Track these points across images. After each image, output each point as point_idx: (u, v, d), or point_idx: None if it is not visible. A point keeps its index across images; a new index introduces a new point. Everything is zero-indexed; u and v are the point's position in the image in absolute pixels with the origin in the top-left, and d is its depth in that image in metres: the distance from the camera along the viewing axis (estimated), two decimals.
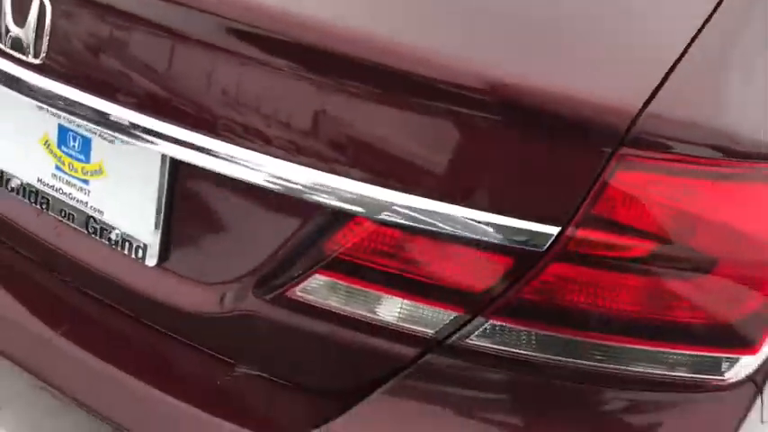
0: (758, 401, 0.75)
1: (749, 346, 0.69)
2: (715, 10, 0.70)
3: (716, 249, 0.66)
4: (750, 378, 0.73)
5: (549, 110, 0.64)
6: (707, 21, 0.70)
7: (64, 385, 0.89)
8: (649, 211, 0.66)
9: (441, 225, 0.67)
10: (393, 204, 0.68)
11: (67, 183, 0.93)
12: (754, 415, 0.76)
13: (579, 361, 0.71)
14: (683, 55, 0.67)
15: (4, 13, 0.80)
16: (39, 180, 0.96)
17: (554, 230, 0.65)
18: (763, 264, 0.67)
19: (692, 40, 0.69)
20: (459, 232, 0.67)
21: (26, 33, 0.80)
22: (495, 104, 0.65)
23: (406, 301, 0.73)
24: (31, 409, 1.07)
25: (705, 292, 0.67)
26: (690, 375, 0.70)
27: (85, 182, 0.92)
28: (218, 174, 0.75)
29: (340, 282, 0.75)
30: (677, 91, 0.65)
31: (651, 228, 0.65)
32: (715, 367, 0.70)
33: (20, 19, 0.80)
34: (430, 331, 0.73)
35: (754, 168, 0.68)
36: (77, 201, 0.93)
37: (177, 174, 0.84)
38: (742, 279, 0.67)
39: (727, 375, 0.70)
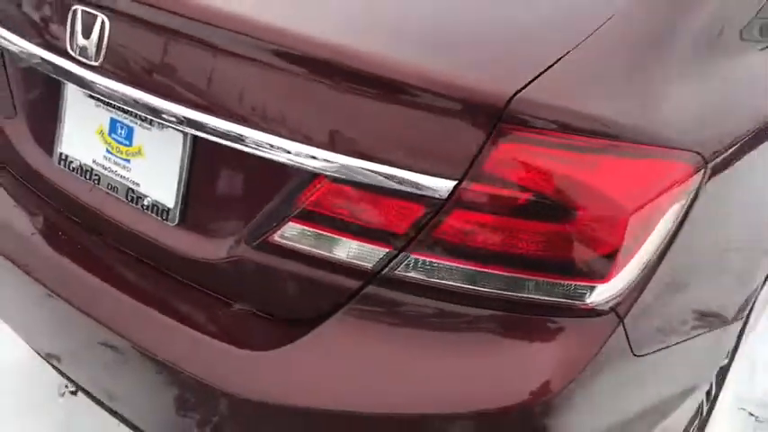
0: (623, 333, 0.96)
1: (601, 278, 0.91)
2: (599, 28, 0.95)
3: (577, 203, 0.90)
4: (612, 309, 0.95)
5: (451, 94, 0.89)
6: (589, 36, 0.96)
7: (101, 316, 1.16)
8: (525, 171, 0.90)
9: (373, 181, 0.93)
10: (343, 167, 0.94)
11: (115, 163, 1.22)
12: (623, 346, 0.98)
13: (480, 288, 0.94)
14: (558, 60, 0.92)
15: (77, 29, 1.11)
16: (93, 161, 1.25)
17: (451, 184, 0.90)
18: (612, 216, 0.90)
19: (571, 49, 0.94)
20: (386, 185, 0.92)
21: (90, 43, 1.10)
22: (412, 91, 0.91)
23: (352, 242, 0.98)
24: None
25: (568, 234, 0.90)
26: (564, 300, 0.92)
27: (128, 161, 1.20)
28: (223, 150, 1.02)
29: (307, 228, 1.00)
30: (550, 84, 0.90)
31: (527, 184, 0.89)
32: (579, 293, 0.92)
33: (87, 33, 1.10)
34: (369, 265, 0.97)
35: (611, 144, 0.91)
36: (121, 176, 1.21)
37: (195, 154, 1.11)
38: (596, 226, 0.90)
39: (588, 301, 0.92)
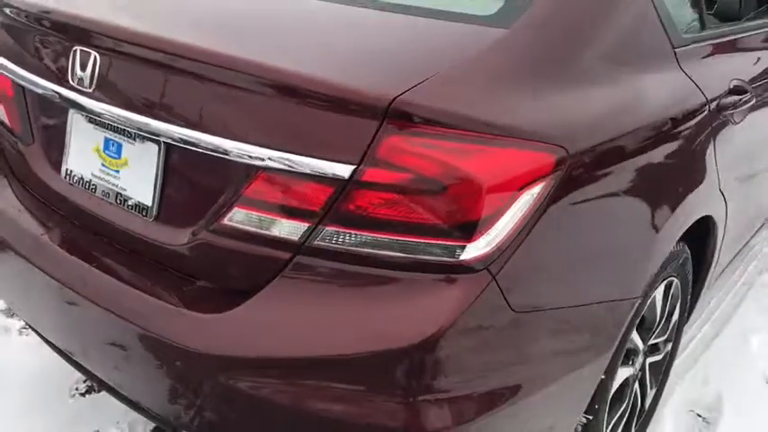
0: (497, 289, 1.19)
1: (468, 239, 1.15)
2: (478, 52, 1.23)
3: (447, 181, 1.15)
4: (485, 268, 1.18)
5: (347, 98, 1.16)
6: (467, 58, 1.23)
7: (94, 296, 1.42)
8: (408, 156, 1.15)
9: (295, 169, 1.19)
10: (271, 160, 1.20)
11: (107, 174, 1.50)
12: (500, 300, 1.20)
13: (378, 252, 1.18)
14: (435, 74, 1.19)
15: (76, 64, 1.41)
16: (92, 174, 1.53)
17: (351, 168, 1.15)
18: (473, 191, 1.14)
19: (448, 66, 1.21)
20: (304, 171, 1.18)
21: (86, 75, 1.40)
22: (319, 97, 1.18)
23: (283, 220, 1.23)
24: None
25: (441, 204, 1.14)
26: (442, 259, 1.16)
27: (117, 171, 1.49)
28: (186, 156, 1.30)
29: (249, 211, 1.26)
30: (427, 90, 1.16)
31: (409, 166, 1.15)
32: (453, 252, 1.15)
33: (83, 67, 1.40)
34: (295, 239, 1.23)
35: (477, 136, 1.17)
36: (112, 184, 1.49)
37: (166, 161, 1.39)
38: (461, 199, 1.15)
39: (461, 258, 1.16)
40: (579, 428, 1.62)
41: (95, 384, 2.08)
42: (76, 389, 2.18)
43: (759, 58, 2.09)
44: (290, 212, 1.23)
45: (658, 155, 1.51)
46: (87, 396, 2.15)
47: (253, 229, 1.27)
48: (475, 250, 1.16)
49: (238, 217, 1.28)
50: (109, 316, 1.39)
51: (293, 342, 1.22)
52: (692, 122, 1.63)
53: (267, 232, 1.26)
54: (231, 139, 1.24)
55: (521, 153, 1.19)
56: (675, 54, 1.64)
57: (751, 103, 1.90)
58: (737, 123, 1.88)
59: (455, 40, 1.30)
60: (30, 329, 2.39)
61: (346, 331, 1.20)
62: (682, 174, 1.61)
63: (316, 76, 1.19)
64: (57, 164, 1.61)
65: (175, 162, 1.38)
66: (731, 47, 1.97)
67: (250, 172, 1.25)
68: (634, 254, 1.48)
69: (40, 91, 1.55)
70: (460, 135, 1.16)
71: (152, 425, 2.04)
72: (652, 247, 1.51)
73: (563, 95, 1.31)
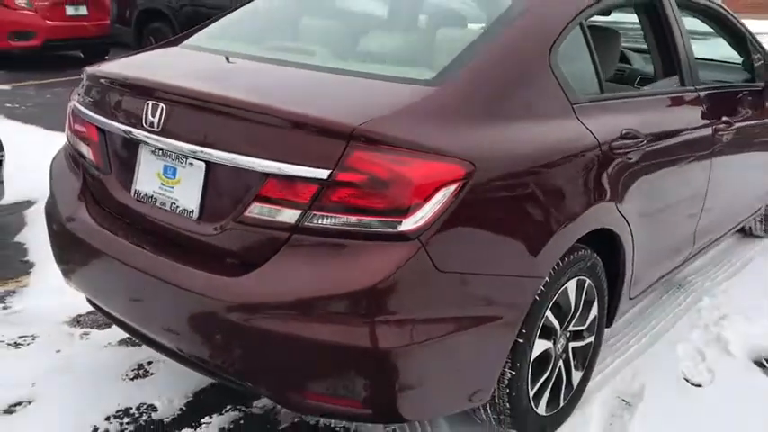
0: (425, 253, 1.79)
1: (405, 215, 1.76)
2: (418, 98, 1.88)
3: (391, 179, 1.77)
4: (417, 237, 1.79)
5: (328, 128, 1.81)
6: (409, 101, 1.88)
7: (157, 273, 2.03)
8: (366, 164, 1.79)
9: (292, 174, 1.82)
10: (277, 169, 1.84)
11: (165, 190, 2.15)
12: (427, 261, 1.80)
13: (346, 228, 1.80)
14: (387, 111, 1.84)
15: (148, 112, 2.08)
16: (153, 191, 2.18)
17: (328, 172, 1.79)
18: (408, 187, 1.76)
19: (397, 107, 1.86)
20: (298, 173, 1.81)
21: (155, 119, 2.07)
22: (308, 126, 1.83)
23: (283, 209, 1.86)
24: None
25: (386, 195, 1.76)
26: (389, 230, 1.77)
27: (172, 188, 2.13)
28: (220, 171, 1.94)
29: (263, 205, 1.89)
30: (381, 121, 1.81)
31: (367, 170, 1.77)
32: (395, 224, 1.76)
33: (153, 114, 2.08)
34: (292, 222, 1.85)
35: (412, 152, 1.80)
36: (168, 197, 2.13)
37: (207, 177, 2.04)
38: (400, 191, 1.76)
39: (400, 229, 1.76)
40: (507, 379, 2.16)
41: (153, 348, 2.65)
42: (126, 375, 2.76)
43: (652, 114, 2.71)
44: (289, 204, 1.85)
45: (553, 176, 2.12)
46: (135, 380, 2.73)
47: (264, 218, 1.89)
48: (408, 225, 1.77)
49: (255, 210, 1.91)
50: (168, 287, 2.00)
51: (289, 291, 1.83)
52: (584, 156, 2.24)
53: (273, 219, 1.88)
54: (252, 157, 1.88)
55: (439, 164, 1.82)
56: (573, 108, 2.28)
57: (643, 146, 2.52)
58: (633, 161, 2.49)
59: (401, 93, 1.96)
60: (89, 334, 3.01)
61: (326, 281, 1.80)
62: (576, 192, 2.21)
63: (308, 114, 1.84)
64: (127, 186, 2.26)
65: (213, 177, 2.02)
66: (626, 105, 2.60)
67: (263, 178, 1.88)
68: (535, 245, 2.06)
69: (119, 133, 2.22)
70: (401, 151, 1.80)
71: (187, 397, 2.60)
72: (550, 242, 2.09)
73: (475, 131, 1.95)
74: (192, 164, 2.06)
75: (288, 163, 1.84)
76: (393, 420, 2.23)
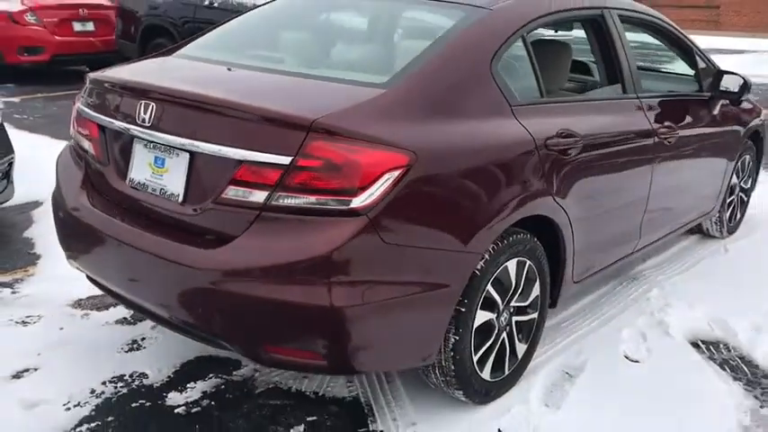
0: (372, 226, 2.12)
1: (355, 195, 2.09)
2: (371, 96, 2.23)
3: (345, 165, 2.11)
4: (365, 213, 2.12)
5: (291, 121, 2.15)
6: (362, 99, 2.22)
7: (144, 246, 2.37)
8: (323, 151, 2.12)
9: (261, 160, 2.16)
10: (247, 155, 2.18)
11: (155, 177, 2.48)
12: (375, 234, 2.14)
13: (305, 206, 2.13)
14: (341, 108, 2.18)
15: (141, 110, 2.43)
16: (145, 179, 2.52)
17: (290, 158, 2.13)
18: (360, 171, 2.10)
19: (351, 103, 2.20)
20: (266, 160, 2.15)
21: (147, 116, 2.42)
22: (274, 119, 2.17)
23: (254, 190, 2.19)
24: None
25: (340, 177, 2.10)
26: (342, 207, 2.10)
27: (161, 176, 2.47)
28: (202, 159, 2.28)
29: (237, 188, 2.23)
30: (337, 115, 2.15)
31: (324, 156, 2.11)
32: (348, 201, 2.10)
33: (145, 111, 2.42)
34: (261, 201, 2.18)
35: (360, 141, 2.14)
36: (157, 183, 2.47)
37: (191, 166, 2.38)
38: (353, 174, 2.10)
39: (351, 206, 2.09)
40: (452, 343, 2.48)
41: (146, 318, 2.98)
42: (121, 348, 3.08)
43: (590, 117, 3.05)
44: (258, 186, 2.19)
45: (489, 167, 2.45)
46: (129, 353, 3.05)
47: (238, 199, 2.23)
48: (357, 202, 2.11)
49: (230, 192, 2.24)
50: (156, 260, 2.33)
51: (258, 259, 2.16)
52: (520, 151, 2.58)
53: (246, 199, 2.21)
54: (228, 147, 2.22)
55: (385, 153, 2.16)
56: (512, 110, 2.62)
57: (580, 144, 2.85)
58: (571, 157, 2.82)
59: (356, 93, 2.30)
60: (89, 315, 3.34)
61: (289, 250, 2.13)
62: (511, 182, 2.54)
63: (274, 109, 2.18)
64: (123, 175, 2.60)
65: (196, 165, 2.36)
66: (565, 108, 2.94)
67: (237, 165, 2.22)
68: (471, 225, 2.38)
69: (117, 129, 2.57)
70: (352, 141, 2.13)
71: (175, 366, 2.93)
72: (485, 224, 2.42)
73: (418, 126, 2.29)
74: (178, 154, 2.40)
75: (257, 151, 2.17)
76: (346, 372, 2.54)
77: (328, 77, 2.51)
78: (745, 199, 4.96)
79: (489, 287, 2.57)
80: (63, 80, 10.55)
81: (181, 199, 2.39)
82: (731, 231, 4.85)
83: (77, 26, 10.53)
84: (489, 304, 2.61)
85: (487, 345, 2.65)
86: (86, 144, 2.77)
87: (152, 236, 2.41)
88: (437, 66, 2.48)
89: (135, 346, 3.10)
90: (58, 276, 3.68)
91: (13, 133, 6.75)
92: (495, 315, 2.66)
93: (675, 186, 3.78)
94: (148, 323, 3.25)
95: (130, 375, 2.88)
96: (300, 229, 2.15)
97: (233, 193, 2.23)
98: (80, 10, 10.54)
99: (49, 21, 10.18)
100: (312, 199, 2.14)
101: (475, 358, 2.60)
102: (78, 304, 3.45)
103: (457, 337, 2.48)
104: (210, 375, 2.89)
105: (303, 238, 2.14)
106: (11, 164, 4.44)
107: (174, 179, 2.42)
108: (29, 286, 3.68)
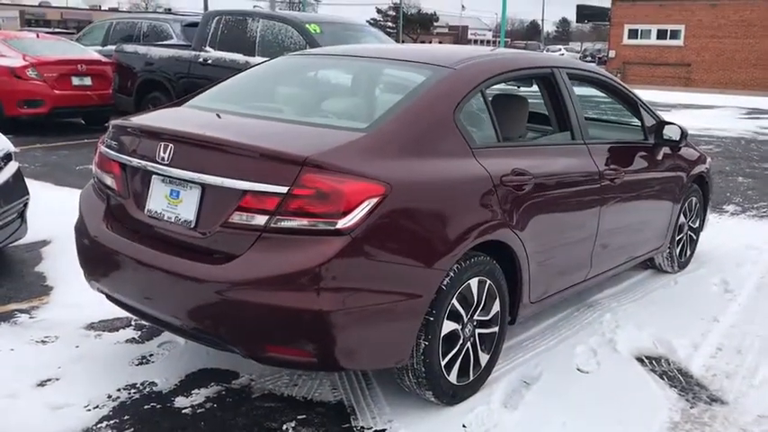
0: (354, 244, 2.58)
1: (341, 217, 2.56)
2: (351, 139, 2.72)
3: (332, 193, 2.58)
4: (348, 233, 2.58)
5: (286, 159, 2.62)
6: (345, 140, 2.71)
7: (163, 266, 2.82)
8: (317, 183, 2.60)
9: (262, 190, 2.63)
10: (251, 186, 2.65)
11: (171, 207, 2.94)
12: (358, 250, 2.60)
13: (298, 227, 2.60)
14: (329, 148, 2.67)
15: (162, 150, 2.90)
16: (162, 209, 2.97)
17: (287, 188, 2.60)
18: (344, 199, 2.57)
19: (334, 145, 2.69)
20: (266, 190, 2.62)
21: (167, 155, 2.89)
22: (272, 156, 2.64)
23: (256, 215, 2.65)
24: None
25: (328, 204, 2.57)
26: (329, 227, 2.57)
27: (176, 206, 2.93)
28: (213, 190, 2.75)
29: (241, 213, 2.68)
30: (326, 153, 2.63)
31: (316, 186, 2.58)
32: (334, 223, 2.56)
33: (165, 151, 2.89)
34: (262, 224, 2.64)
35: (347, 176, 2.62)
36: (172, 212, 2.93)
37: (203, 196, 2.84)
38: (338, 201, 2.57)
39: (337, 227, 2.55)
40: (422, 348, 2.91)
41: (160, 329, 3.39)
42: (132, 362, 3.48)
43: (541, 159, 3.56)
44: (260, 212, 2.65)
45: (452, 198, 2.93)
46: (139, 366, 3.46)
47: (242, 222, 2.69)
48: (342, 224, 2.57)
49: (236, 218, 2.70)
50: (171, 276, 2.77)
51: (259, 272, 2.61)
52: (478, 186, 3.06)
53: (249, 223, 2.67)
54: (235, 179, 2.69)
55: (365, 184, 2.63)
56: (473, 152, 3.12)
57: (532, 182, 3.35)
58: (525, 192, 3.31)
59: (341, 136, 2.80)
60: (101, 335, 3.74)
61: (286, 263, 2.58)
62: (471, 211, 3.02)
63: (274, 148, 2.67)
64: (141, 206, 3.05)
65: (207, 196, 2.82)
66: (519, 151, 3.45)
67: (242, 194, 2.68)
68: (437, 247, 2.85)
69: (137, 166, 3.04)
70: (338, 174, 2.61)
71: (181, 377, 3.33)
72: (449, 246, 2.89)
73: (393, 163, 2.77)
74: (191, 187, 2.86)
75: (260, 182, 2.64)
76: (333, 368, 2.96)
77: (317, 123, 3.02)
78: (695, 237, 5.47)
79: (454, 301, 3.02)
80: (60, 132, 11.06)
81: (193, 224, 2.85)
82: (682, 266, 5.34)
83: (76, 81, 11.10)
84: (455, 316, 3.06)
85: (453, 352, 3.09)
86: (109, 181, 3.22)
87: (167, 256, 2.85)
88: (408, 114, 2.99)
89: (144, 360, 3.50)
90: (71, 303, 4.10)
91: None
92: (461, 326, 3.10)
93: (623, 223, 4.28)
94: (156, 342, 3.66)
95: (142, 384, 3.27)
96: (295, 246, 2.61)
97: (238, 218, 2.69)
98: (79, 65, 11.13)
99: (48, 75, 10.74)
100: (305, 221, 2.60)
101: (443, 363, 3.03)
102: (91, 326, 3.85)
103: (426, 343, 2.92)
104: (212, 384, 3.29)
105: (297, 253, 2.60)
106: (26, 204, 4.88)
107: (187, 208, 2.87)
108: (44, 312, 4.07)
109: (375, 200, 2.64)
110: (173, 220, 2.91)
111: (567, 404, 3.23)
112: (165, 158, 2.91)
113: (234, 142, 2.76)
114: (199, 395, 3.19)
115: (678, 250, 5.22)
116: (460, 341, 3.12)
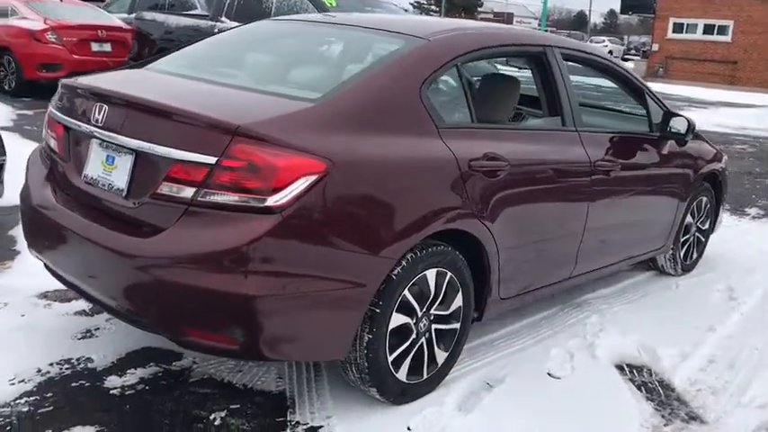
0: (285, 222, 2.35)
1: (270, 194, 2.32)
2: (298, 109, 2.47)
3: (264, 166, 2.35)
4: (279, 212, 2.34)
5: (219, 126, 2.39)
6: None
7: (89, 235, 2.61)
8: (245, 153, 2.36)
9: (189, 159, 2.40)
10: (179, 155, 2.42)
11: (106, 174, 2.73)
12: (287, 228, 2.36)
13: (224, 201, 2.37)
14: (264, 117, 2.43)
15: (96, 111, 2.69)
16: (98, 175, 2.77)
17: (215, 158, 2.37)
18: (278, 173, 2.33)
19: (278, 115, 2.45)
20: (193, 159, 2.39)
21: (100, 116, 2.68)
22: (200, 122, 2.41)
23: (184, 186, 2.43)
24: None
25: (261, 178, 2.33)
26: (257, 204, 2.33)
27: (110, 172, 2.72)
28: (144, 157, 2.53)
29: (170, 184, 2.47)
30: (262, 123, 2.39)
31: (245, 158, 2.35)
32: (263, 200, 2.33)
33: (99, 112, 2.69)
34: (189, 197, 2.42)
35: (282, 147, 2.38)
36: (106, 179, 2.72)
37: (135, 163, 2.62)
38: (270, 176, 2.33)
39: (266, 204, 2.32)
40: (365, 341, 2.67)
41: (92, 305, 3.21)
42: (75, 336, 3.31)
43: (522, 144, 3.27)
44: (188, 183, 2.42)
45: (407, 180, 2.67)
46: (81, 340, 3.28)
47: (170, 194, 2.47)
48: (272, 201, 2.34)
49: (165, 189, 2.48)
50: (99, 248, 2.57)
51: (182, 248, 2.39)
52: (440, 169, 2.80)
53: (176, 195, 2.45)
54: (165, 147, 2.47)
55: (302, 159, 2.39)
56: (439, 131, 2.85)
57: (506, 168, 3.07)
58: (498, 179, 3.04)
59: (287, 105, 2.56)
60: (52, 305, 3.58)
61: (209, 242, 2.36)
62: (428, 196, 2.75)
63: (205, 113, 2.44)
64: (80, 172, 2.85)
65: (139, 163, 2.60)
66: (495, 134, 3.16)
67: (170, 163, 2.46)
68: (385, 233, 2.59)
69: (77, 129, 2.83)
70: (272, 146, 2.37)
71: (120, 355, 3.15)
72: (399, 234, 2.63)
73: (341, 138, 2.52)
74: (125, 153, 2.65)
75: (188, 151, 2.42)
76: (257, 358, 2.73)
77: (272, 92, 2.77)
78: (703, 239, 5.12)
79: (406, 292, 2.77)
80: None
81: (125, 193, 2.63)
82: (686, 269, 5.00)
83: (95, 46, 11.01)
84: (407, 309, 2.81)
85: (404, 347, 2.84)
86: (53, 143, 3.03)
87: (96, 226, 2.65)
88: (367, 86, 2.73)
89: (88, 334, 3.33)
90: (32, 271, 3.90)
91: (19, 142, 7.14)
92: (414, 320, 2.85)
93: (618, 220, 3.97)
94: (104, 315, 3.48)
95: (77, 359, 3.09)
96: (222, 223, 2.38)
97: (167, 189, 2.47)
98: (99, 31, 11.03)
99: (68, 40, 10.67)
100: (234, 197, 2.37)
101: (390, 358, 2.79)
102: (44, 296, 3.69)
103: (371, 336, 2.68)
104: (151, 364, 3.10)
105: (223, 231, 2.37)
106: (2, 165, 4.73)
107: (120, 175, 2.66)
108: (2, 278, 3.92)
109: (313, 177, 2.40)
110: (107, 188, 2.71)
111: (527, 411, 2.96)
112: (100, 120, 2.70)
113: (167, 106, 2.54)
114: (134, 375, 3.00)
115: (683, 252, 4.89)
116: (413, 336, 2.87)
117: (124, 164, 2.65)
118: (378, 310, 2.66)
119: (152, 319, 2.53)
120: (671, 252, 4.77)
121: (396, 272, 2.68)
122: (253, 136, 2.37)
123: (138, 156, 2.60)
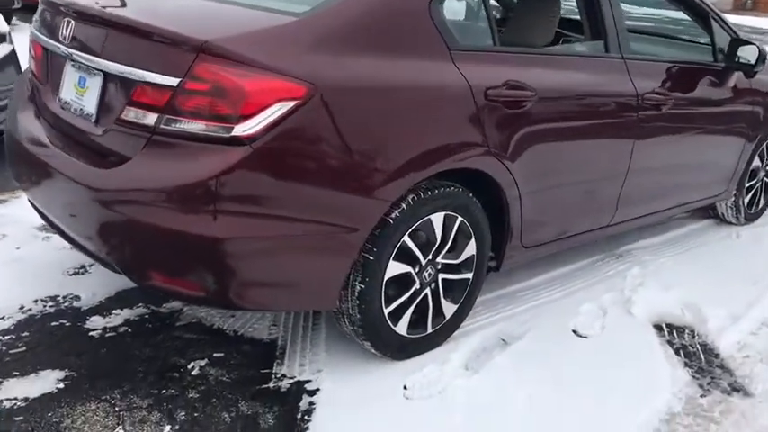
0: (255, 155, 2.04)
1: (237, 123, 2.01)
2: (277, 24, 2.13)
3: (230, 89, 2.03)
4: (248, 143, 2.03)
5: (182, 40, 2.08)
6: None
7: (58, 166, 2.37)
8: (209, 73, 2.04)
9: (152, 81, 2.11)
10: (143, 76, 2.13)
11: (78, 98, 2.47)
12: (256, 161, 2.06)
13: (189, 131, 2.07)
14: (248, 28, 2.10)
15: (64, 27, 2.41)
16: (71, 99, 2.50)
17: (178, 80, 2.06)
18: (244, 97, 2.02)
19: (253, 30, 2.11)
20: (156, 81, 2.09)
21: (68, 33, 2.40)
22: (164, 38, 2.10)
23: (147, 112, 2.14)
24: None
25: (224, 102, 2.02)
26: (224, 135, 2.03)
27: (82, 96, 2.45)
28: (111, 80, 2.25)
29: (133, 109, 2.18)
30: (232, 39, 2.07)
31: (209, 78, 2.04)
32: (229, 129, 2.02)
33: (66, 28, 2.40)
34: (152, 124, 2.13)
35: (256, 68, 2.05)
36: (79, 103, 2.46)
37: (104, 85, 2.35)
38: (236, 100, 2.02)
39: (233, 134, 2.01)
40: (357, 291, 2.38)
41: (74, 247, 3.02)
42: (67, 271, 3.13)
43: (554, 71, 2.84)
44: (150, 108, 2.13)
45: (410, 110, 2.31)
46: (73, 276, 3.10)
47: (134, 121, 2.18)
48: (240, 131, 2.03)
49: (130, 114, 2.20)
50: (66, 179, 2.32)
51: (143, 181, 2.12)
52: (449, 97, 2.43)
53: (140, 122, 2.16)
54: (129, 67, 2.17)
55: (278, 82, 2.06)
56: (451, 54, 2.46)
57: (535, 100, 2.67)
58: (522, 111, 2.64)
59: (267, 20, 2.22)
60: (50, 238, 3.40)
61: (171, 175, 2.08)
62: (434, 129, 2.39)
63: (169, 29, 2.12)
64: (55, 95, 2.60)
65: (107, 86, 2.33)
66: (520, 59, 2.74)
67: (135, 85, 2.17)
68: (377, 171, 2.25)
69: (52, 48, 2.57)
70: (243, 66, 2.04)
71: (110, 293, 2.95)
72: (396, 172, 2.28)
73: (328, 59, 2.17)
74: (95, 74, 2.37)
75: (151, 72, 2.12)
76: (226, 306, 2.47)
77: (253, 6, 2.42)
78: None
79: (406, 238, 2.45)
80: None
81: (94, 118, 2.37)
82: (750, 219, 4.51)
83: None
84: (407, 256, 2.49)
85: (404, 299, 2.54)
86: (33, 65, 2.78)
87: (68, 156, 2.40)
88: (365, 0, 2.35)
89: (81, 271, 3.14)
90: None
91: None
92: (417, 270, 2.54)
93: (669, 162, 3.52)
94: None
95: (64, 297, 2.92)
96: (185, 155, 2.09)
97: (132, 114, 2.19)
98: None
99: None
100: (200, 125, 2.07)
101: (387, 310, 2.49)
102: (44, 228, 3.52)
103: (363, 286, 2.38)
104: (140, 305, 2.90)
105: (185, 164, 2.08)
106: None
107: (90, 99, 2.40)
108: (8, 208, 3.79)
109: (292, 103, 2.07)
110: (78, 113, 2.45)
111: (542, 373, 2.64)
112: (73, 39, 2.42)
113: (134, 22, 2.23)
114: (118, 316, 2.81)
115: (747, 199, 4.39)
116: (415, 287, 2.56)
117: (94, 86, 2.38)
118: (371, 258, 2.36)
119: (114, 259, 2.29)
120: (733, 199, 4.28)
121: (393, 215, 2.36)
122: (220, 54, 2.05)
123: (107, 77, 2.32)
